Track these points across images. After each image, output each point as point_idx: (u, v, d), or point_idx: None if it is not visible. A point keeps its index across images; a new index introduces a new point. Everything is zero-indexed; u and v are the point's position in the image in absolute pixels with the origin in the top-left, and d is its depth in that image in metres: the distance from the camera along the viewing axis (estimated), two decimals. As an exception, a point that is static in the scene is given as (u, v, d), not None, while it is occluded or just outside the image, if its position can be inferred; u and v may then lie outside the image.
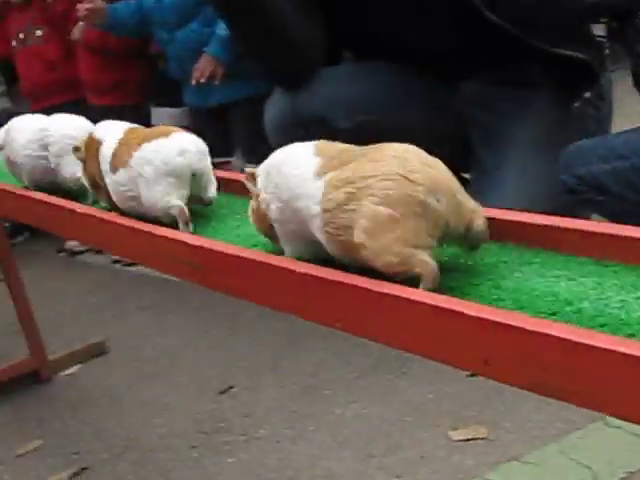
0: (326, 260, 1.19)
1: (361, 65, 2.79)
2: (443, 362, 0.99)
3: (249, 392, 2.97)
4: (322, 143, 1.25)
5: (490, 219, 1.18)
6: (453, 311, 0.96)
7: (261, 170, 1.31)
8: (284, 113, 2.65)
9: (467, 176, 2.85)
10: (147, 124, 4.00)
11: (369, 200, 1.12)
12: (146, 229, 1.53)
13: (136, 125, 1.82)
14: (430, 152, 1.14)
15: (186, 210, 1.55)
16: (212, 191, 1.64)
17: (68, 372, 3.48)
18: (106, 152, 1.73)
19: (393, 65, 2.77)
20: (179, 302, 3.62)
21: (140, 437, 2.78)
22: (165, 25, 3.80)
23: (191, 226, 1.55)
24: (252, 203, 1.35)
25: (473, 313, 0.94)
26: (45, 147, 2.12)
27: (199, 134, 1.61)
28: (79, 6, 3.92)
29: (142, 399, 3.11)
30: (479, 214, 1.14)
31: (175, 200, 1.56)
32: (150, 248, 1.51)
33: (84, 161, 1.87)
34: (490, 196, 2.51)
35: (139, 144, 1.64)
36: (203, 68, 3.73)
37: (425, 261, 1.09)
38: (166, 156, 1.58)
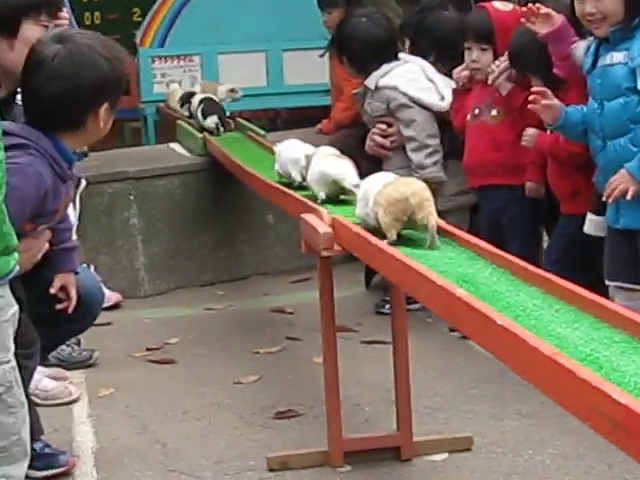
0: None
1: None
2: None
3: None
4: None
5: None
6: None
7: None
8: None
9: None
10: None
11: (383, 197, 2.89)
12: (568, 365, 1.35)
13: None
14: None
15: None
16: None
17: (433, 458, 3.37)
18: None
19: None
20: (561, 418, 3.40)
21: None
22: (600, 133, 3.68)
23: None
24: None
25: None
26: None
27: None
28: (532, 97, 3.85)
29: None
30: (433, 218, 2.81)
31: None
32: (566, 389, 1.33)
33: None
34: None
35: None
36: (616, 184, 3.54)
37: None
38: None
